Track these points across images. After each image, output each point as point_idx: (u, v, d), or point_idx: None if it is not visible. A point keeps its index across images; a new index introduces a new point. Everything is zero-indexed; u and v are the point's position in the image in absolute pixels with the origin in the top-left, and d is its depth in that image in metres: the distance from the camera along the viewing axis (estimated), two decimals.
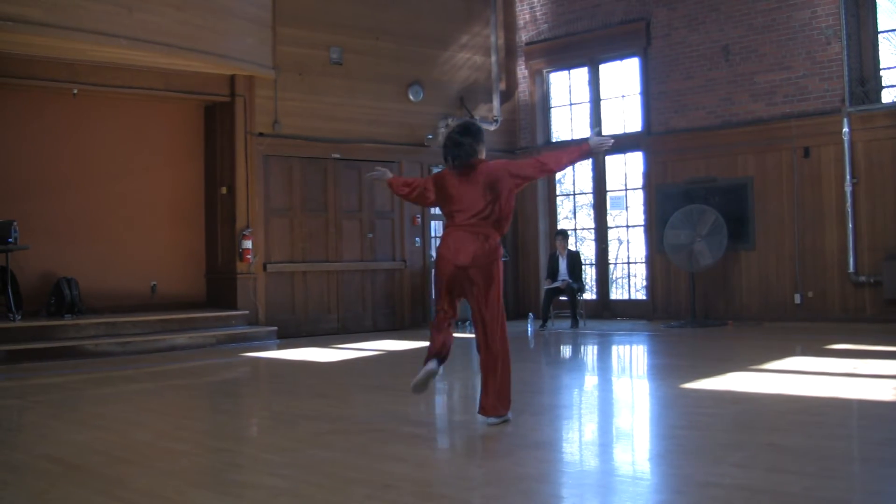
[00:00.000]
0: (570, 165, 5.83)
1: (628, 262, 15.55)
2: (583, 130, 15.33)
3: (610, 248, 15.48)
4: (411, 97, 14.39)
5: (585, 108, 15.29)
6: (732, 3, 13.17)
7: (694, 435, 5.33)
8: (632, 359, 10.35)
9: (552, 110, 15.85)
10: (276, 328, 12.53)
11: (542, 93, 15.75)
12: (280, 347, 11.62)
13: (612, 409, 6.74)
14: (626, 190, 15.01)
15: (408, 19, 14.44)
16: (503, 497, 4.06)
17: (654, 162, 14.07)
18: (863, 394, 6.65)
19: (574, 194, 16.26)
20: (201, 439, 5.84)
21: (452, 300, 5.79)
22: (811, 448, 4.84)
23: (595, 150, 5.72)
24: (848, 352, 9.36)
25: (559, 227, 15.16)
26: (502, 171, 5.70)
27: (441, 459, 5.18)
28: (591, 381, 8.46)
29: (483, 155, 5.83)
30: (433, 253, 14.32)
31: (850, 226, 12.07)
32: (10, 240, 10.61)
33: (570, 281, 13.43)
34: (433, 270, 5.90)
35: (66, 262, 11.85)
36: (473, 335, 5.88)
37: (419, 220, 14.46)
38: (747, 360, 8.76)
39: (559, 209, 16.01)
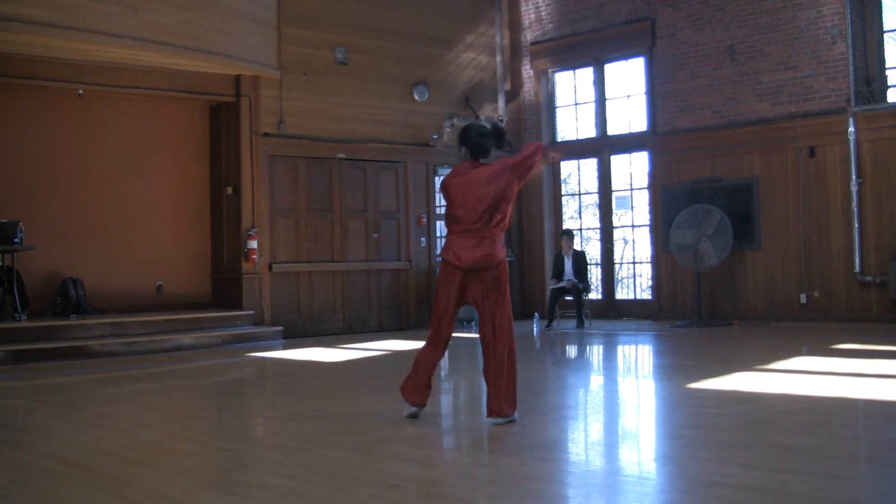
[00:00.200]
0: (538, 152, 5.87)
1: (634, 262, 15.53)
2: (588, 130, 15.33)
3: (615, 248, 15.46)
4: (416, 97, 14.39)
5: (590, 108, 15.28)
6: (738, 2, 13.15)
7: (700, 435, 5.32)
8: (637, 359, 10.34)
9: (557, 110, 15.83)
10: (281, 328, 12.53)
11: (548, 93, 15.74)
12: (286, 347, 11.63)
13: (618, 410, 6.73)
14: (632, 190, 15.00)
15: (413, 19, 14.44)
16: (508, 497, 4.06)
17: (659, 162, 14.06)
18: (869, 394, 6.63)
19: (579, 194, 16.25)
20: (207, 439, 5.84)
21: (455, 310, 5.81)
22: (817, 448, 4.83)
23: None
24: (854, 352, 9.34)
25: (564, 227, 15.14)
26: (502, 167, 5.73)
27: (446, 459, 5.18)
28: (596, 381, 8.45)
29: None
30: (438, 253, 14.34)
31: (856, 225, 12.04)
32: (15, 240, 10.64)
33: (576, 281, 13.42)
34: (437, 276, 5.92)
35: (72, 262, 11.87)
36: (478, 335, 5.88)
37: (424, 220, 14.46)
38: (753, 360, 8.74)
39: (564, 209, 15.99)
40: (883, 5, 12.19)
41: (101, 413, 6.80)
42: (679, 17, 13.79)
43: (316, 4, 13.41)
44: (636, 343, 11.52)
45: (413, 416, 5.90)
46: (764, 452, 4.76)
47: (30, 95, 11.78)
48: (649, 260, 14.58)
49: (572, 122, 15.74)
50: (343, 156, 13.62)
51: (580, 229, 15.97)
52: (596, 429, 5.91)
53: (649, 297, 14.67)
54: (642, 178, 14.64)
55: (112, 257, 12.34)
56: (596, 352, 10.89)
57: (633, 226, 15.41)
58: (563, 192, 15.99)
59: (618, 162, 15.04)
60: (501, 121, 15.15)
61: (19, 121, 11.80)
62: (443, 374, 8.70)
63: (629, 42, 14.45)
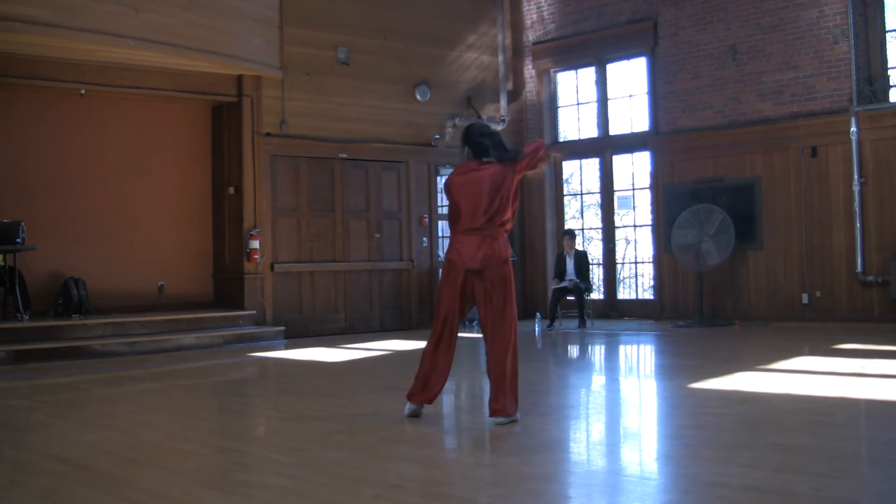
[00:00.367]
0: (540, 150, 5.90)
1: (636, 262, 15.52)
2: (590, 130, 15.32)
3: (617, 248, 15.46)
4: (418, 97, 14.39)
5: (592, 108, 15.28)
6: (740, 2, 13.15)
7: (701, 435, 5.32)
8: (639, 359, 10.33)
9: (559, 110, 15.83)
10: (283, 328, 12.54)
11: (550, 92, 15.73)
12: (287, 347, 11.63)
13: (620, 409, 6.73)
14: (634, 190, 14.98)
15: (415, 19, 14.44)
16: (510, 497, 4.06)
17: (661, 162, 14.05)
18: (871, 394, 6.63)
19: (581, 194, 16.25)
20: (209, 439, 5.84)
21: (460, 309, 5.80)
22: (819, 448, 4.82)
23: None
24: (856, 351, 9.34)
25: (566, 227, 15.14)
26: (504, 166, 5.75)
27: (448, 459, 5.18)
28: (598, 380, 8.45)
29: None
30: (440, 253, 14.34)
31: (858, 225, 12.04)
32: (17, 240, 10.65)
33: (578, 281, 13.42)
34: (440, 276, 5.92)
35: (74, 262, 11.88)
36: (481, 335, 5.88)
37: (426, 219, 14.47)
38: (755, 360, 8.74)
39: (566, 209, 15.98)
40: (885, 5, 12.18)
41: (103, 413, 6.81)
42: (681, 17, 13.78)
43: (318, 4, 13.41)
44: (638, 343, 11.52)
45: (414, 416, 5.89)
46: (766, 452, 4.76)
47: (32, 95, 11.79)
48: (651, 260, 14.58)
49: (574, 122, 15.73)
50: (345, 156, 13.62)
51: (582, 229, 15.96)
52: (598, 429, 5.91)
53: (651, 297, 14.67)
54: (644, 178, 14.63)
55: (114, 257, 12.35)
56: (598, 352, 10.89)
57: (634, 226, 15.40)
58: (565, 192, 15.99)
59: (620, 162, 15.04)
60: (503, 120, 15.15)
61: (21, 121, 11.81)
62: None
63: (631, 42, 14.44)
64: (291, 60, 13.05)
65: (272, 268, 12.83)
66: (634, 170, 14.88)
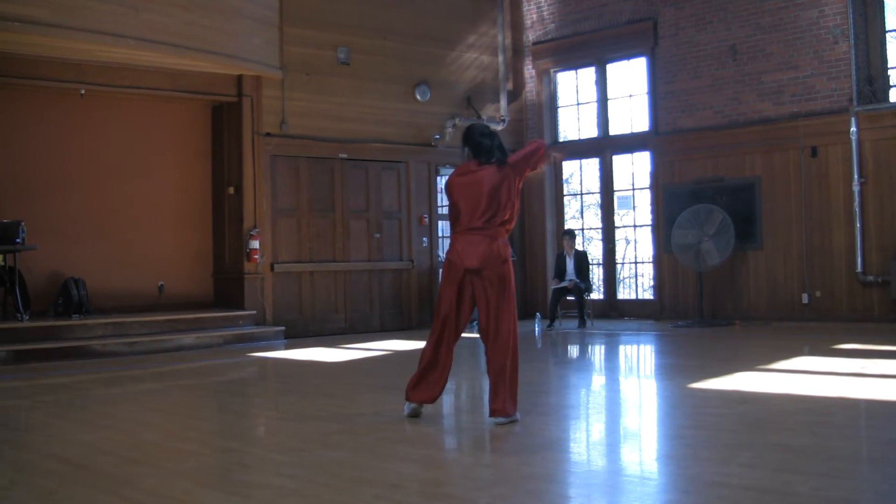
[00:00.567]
0: (540, 150, 5.91)
1: (636, 262, 15.53)
2: (590, 130, 15.32)
3: (617, 248, 15.46)
4: (418, 97, 14.39)
5: (592, 108, 15.28)
6: (740, 2, 13.15)
7: (701, 435, 5.32)
8: (639, 359, 10.33)
9: (559, 110, 15.83)
10: (283, 328, 12.54)
11: (550, 92, 15.73)
12: (287, 347, 11.63)
13: (620, 409, 6.73)
14: (634, 190, 14.98)
15: (415, 19, 14.44)
16: (510, 497, 4.06)
17: (661, 162, 14.05)
18: (871, 394, 6.63)
19: (581, 194, 16.25)
20: (209, 439, 5.84)
21: (460, 308, 5.80)
22: (819, 448, 4.82)
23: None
24: (856, 351, 9.34)
25: (566, 227, 15.14)
26: (504, 166, 5.74)
27: (448, 459, 5.18)
28: (598, 380, 8.45)
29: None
30: (440, 253, 14.34)
31: (858, 225, 12.04)
32: (17, 240, 10.65)
33: (578, 281, 13.42)
34: (441, 276, 5.92)
35: (74, 262, 11.88)
36: (480, 335, 5.87)
37: (426, 220, 14.47)
38: (755, 360, 8.74)
39: (566, 209, 15.98)
40: (885, 5, 12.18)
41: (103, 413, 6.81)
42: (681, 17, 13.78)
43: (318, 4, 13.41)
44: (638, 343, 11.52)
45: (414, 416, 5.89)
46: (766, 452, 4.76)
47: (32, 95, 11.79)
48: (651, 260, 14.57)
49: (574, 122, 15.73)
50: (345, 156, 13.62)
51: (582, 229, 15.96)
52: (598, 429, 5.91)
53: (651, 297, 14.67)
54: (644, 178, 14.63)
55: (114, 257, 12.35)
56: (598, 352, 10.89)
57: (634, 226, 15.40)
58: (564, 192, 15.98)
59: (620, 162, 15.04)
60: (503, 120, 15.15)
61: (21, 121, 11.81)
62: None
63: (631, 42, 14.44)
64: (291, 60, 13.05)
65: (272, 268, 12.83)
66: (634, 170, 14.89)
